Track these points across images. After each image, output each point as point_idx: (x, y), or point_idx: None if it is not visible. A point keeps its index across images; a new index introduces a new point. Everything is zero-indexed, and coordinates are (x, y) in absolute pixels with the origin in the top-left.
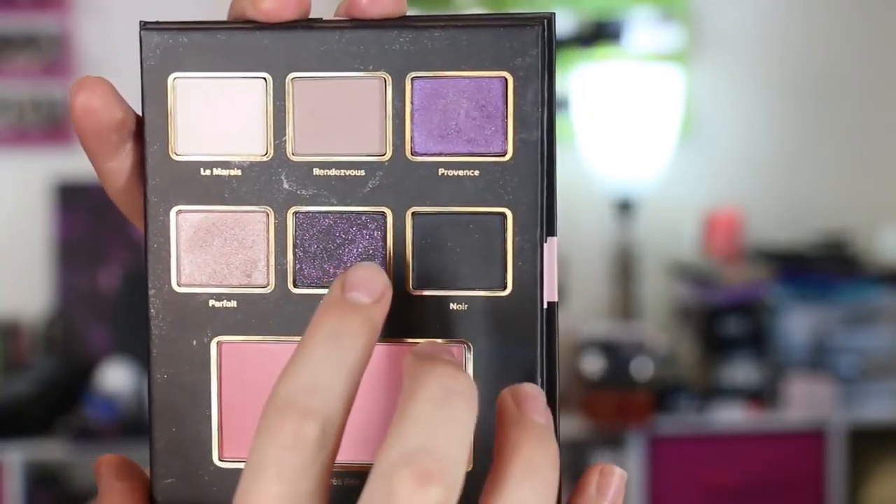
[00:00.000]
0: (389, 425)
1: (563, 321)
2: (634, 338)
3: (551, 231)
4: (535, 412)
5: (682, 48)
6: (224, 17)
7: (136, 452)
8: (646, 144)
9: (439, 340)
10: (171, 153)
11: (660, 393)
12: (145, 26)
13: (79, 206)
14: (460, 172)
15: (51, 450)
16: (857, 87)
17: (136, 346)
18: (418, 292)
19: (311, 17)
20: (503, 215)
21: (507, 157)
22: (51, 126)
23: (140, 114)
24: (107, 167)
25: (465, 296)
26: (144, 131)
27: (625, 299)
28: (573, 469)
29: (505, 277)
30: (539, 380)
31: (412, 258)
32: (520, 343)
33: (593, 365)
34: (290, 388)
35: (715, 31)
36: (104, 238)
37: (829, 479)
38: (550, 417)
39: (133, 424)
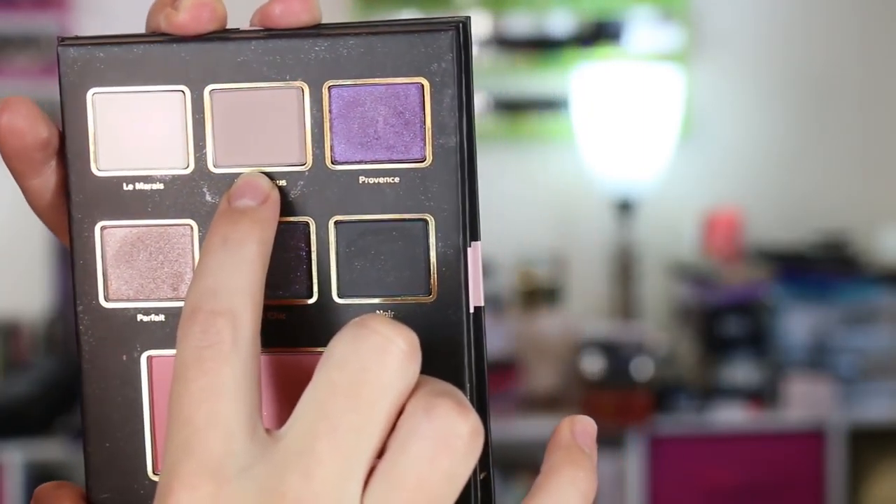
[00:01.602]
0: None
1: (564, 321)
2: (634, 338)
3: (475, 236)
4: (588, 445)
5: (682, 48)
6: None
7: None
8: (646, 144)
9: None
10: (93, 169)
11: (660, 393)
12: (62, 42)
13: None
14: (381, 180)
15: (51, 450)
16: (857, 87)
17: None
18: (343, 301)
19: (227, 27)
20: (425, 221)
21: (427, 164)
22: None
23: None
24: (32, 185)
25: (390, 303)
26: (66, 148)
27: (625, 299)
28: None
29: (429, 283)
30: (467, 385)
31: (336, 267)
32: (446, 349)
33: (593, 365)
34: (194, 295)
35: (715, 31)
36: None
37: (829, 479)
38: (596, 456)
39: None
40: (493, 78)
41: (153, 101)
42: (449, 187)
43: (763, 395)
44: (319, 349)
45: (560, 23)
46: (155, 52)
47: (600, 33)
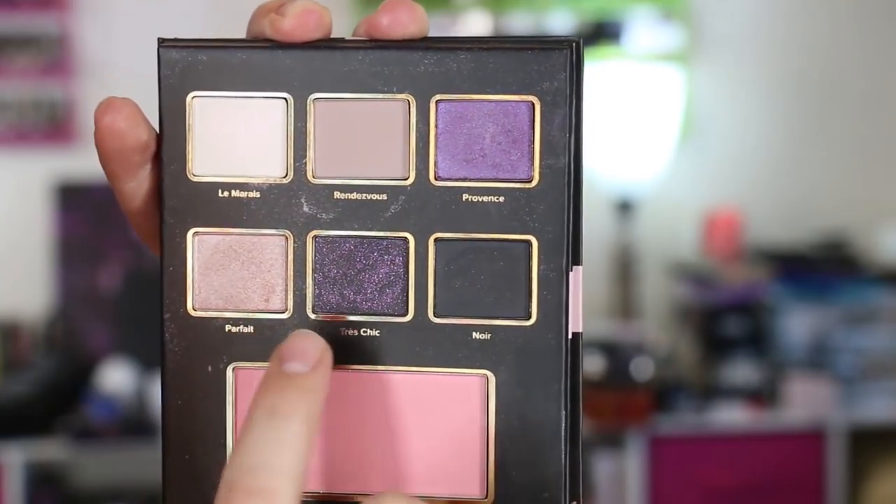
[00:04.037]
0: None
1: None
2: (634, 338)
3: (577, 260)
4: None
5: (682, 48)
6: (229, 29)
7: (137, 453)
8: (646, 144)
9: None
10: (188, 174)
11: (660, 393)
12: (163, 43)
13: (79, 206)
14: (485, 198)
15: (51, 450)
16: (857, 87)
17: (137, 347)
18: (440, 320)
19: (332, 37)
20: (528, 243)
21: (534, 184)
22: (51, 126)
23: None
24: (126, 188)
25: (488, 325)
26: (162, 151)
27: (625, 299)
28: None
29: (529, 307)
30: (563, 413)
31: (434, 285)
32: (543, 374)
33: (593, 365)
34: (233, 470)
35: (715, 31)
36: (104, 238)
37: (829, 479)
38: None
39: (133, 424)
40: None
41: (254, 107)
42: (555, 209)
43: (763, 395)
44: (413, 368)
45: (560, 23)
46: (258, 58)
47: (600, 33)
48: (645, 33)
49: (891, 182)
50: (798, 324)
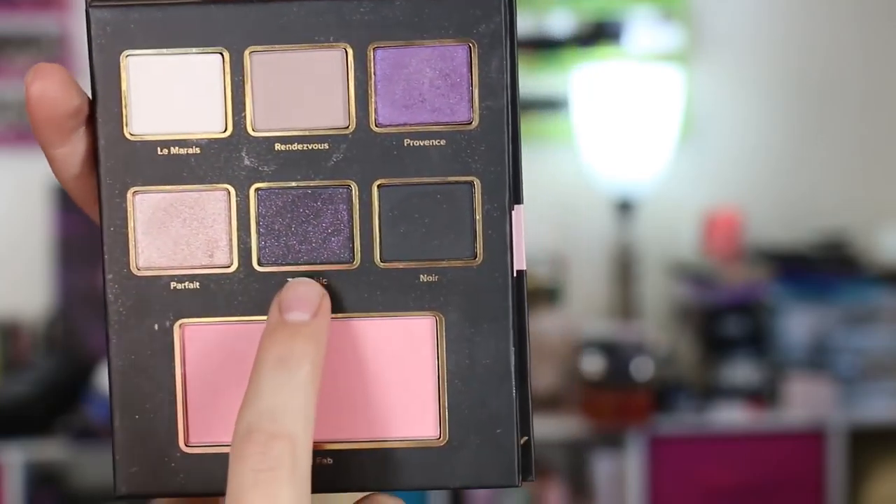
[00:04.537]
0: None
1: (564, 321)
2: (634, 338)
3: (518, 199)
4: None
5: (682, 48)
6: None
7: None
8: (646, 144)
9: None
10: (125, 133)
11: (660, 393)
12: (93, 3)
13: (78, 207)
14: (426, 142)
15: (51, 450)
16: (857, 87)
17: None
18: (386, 265)
19: None
20: (471, 184)
21: (474, 126)
22: None
23: (91, 96)
24: (59, 153)
25: (434, 267)
26: (97, 112)
27: (625, 299)
28: (574, 469)
29: (475, 247)
30: (511, 350)
31: (379, 231)
32: (491, 313)
33: (593, 365)
34: (252, 415)
35: (715, 31)
36: None
37: (829, 479)
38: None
39: None
40: None
41: (190, 63)
42: (496, 149)
43: (763, 395)
44: (361, 314)
45: (560, 23)
46: (192, 14)
47: (600, 33)
48: (645, 33)
49: (891, 182)
50: (798, 324)
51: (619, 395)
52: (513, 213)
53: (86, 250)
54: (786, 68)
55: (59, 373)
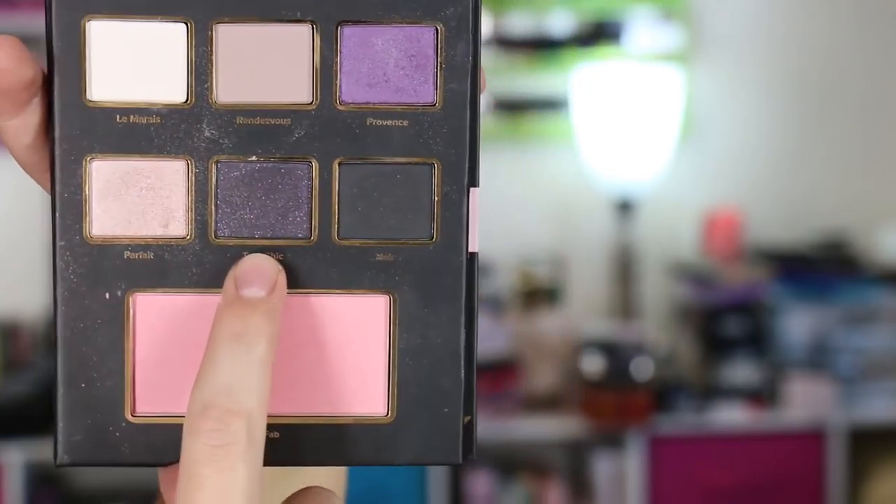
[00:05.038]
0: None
1: (564, 321)
2: (634, 338)
3: (474, 182)
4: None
5: (682, 48)
6: None
7: None
8: (646, 144)
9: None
10: (84, 100)
11: (660, 393)
12: None
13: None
14: (389, 122)
15: (51, 450)
16: (857, 87)
17: None
18: (343, 242)
19: None
20: (432, 165)
21: (437, 108)
22: None
23: (47, 61)
24: (10, 125)
25: (391, 246)
26: (54, 76)
27: (625, 299)
28: (573, 469)
29: (432, 228)
30: (462, 331)
31: (338, 209)
32: (444, 293)
33: (593, 365)
34: (208, 390)
35: (715, 31)
36: None
37: (829, 479)
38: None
39: None
40: (493, 78)
41: (154, 32)
42: (458, 133)
43: (763, 395)
44: (316, 290)
45: (560, 23)
46: None
47: (600, 33)
48: (645, 33)
49: (891, 182)
50: (798, 324)
51: (619, 395)
52: (469, 195)
53: None
54: (786, 68)
55: None
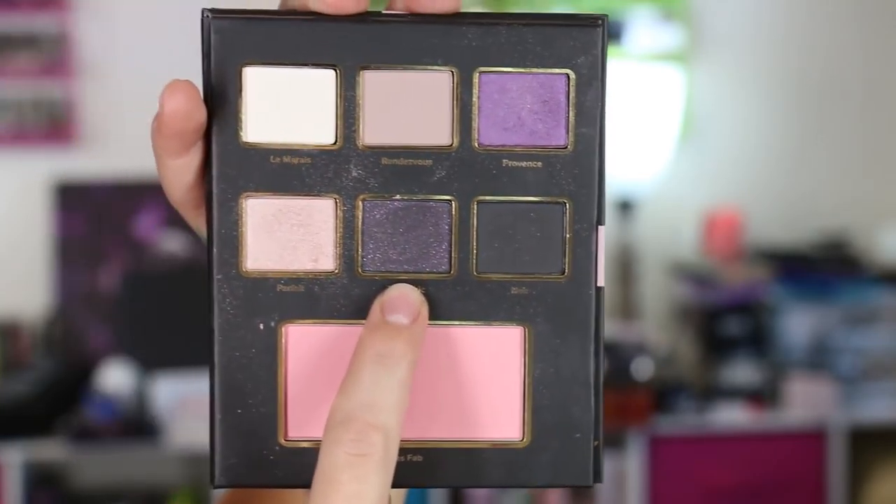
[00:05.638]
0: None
1: None
2: (634, 338)
3: (601, 220)
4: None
5: (682, 48)
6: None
7: (137, 453)
8: (645, 144)
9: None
10: (240, 141)
11: (660, 393)
12: (214, 15)
13: (78, 206)
14: (523, 163)
15: (51, 450)
16: (857, 87)
17: (136, 347)
18: (481, 277)
19: (370, 10)
20: (563, 204)
21: (568, 150)
22: (51, 126)
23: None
24: (177, 164)
25: (526, 280)
26: (213, 120)
27: (625, 299)
28: None
29: (563, 263)
30: (592, 360)
31: (476, 245)
32: (576, 325)
33: None
34: (350, 404)
35: (715, 31)
36: (104, 238)
37: (829, 479)
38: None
39: (133, 425)
40: None
41: (305, 77)
42: (588, 173)
43: (763, 395)
44: (454, 322)
45: None
46: (307, 30)
47: None
48: (645, 33)
49: (891, 182)
50: (798, 324)
51: (619, 395)
52: (598, 232)
53: (86, 250)
54: (786, 68)
55: (58, 373)
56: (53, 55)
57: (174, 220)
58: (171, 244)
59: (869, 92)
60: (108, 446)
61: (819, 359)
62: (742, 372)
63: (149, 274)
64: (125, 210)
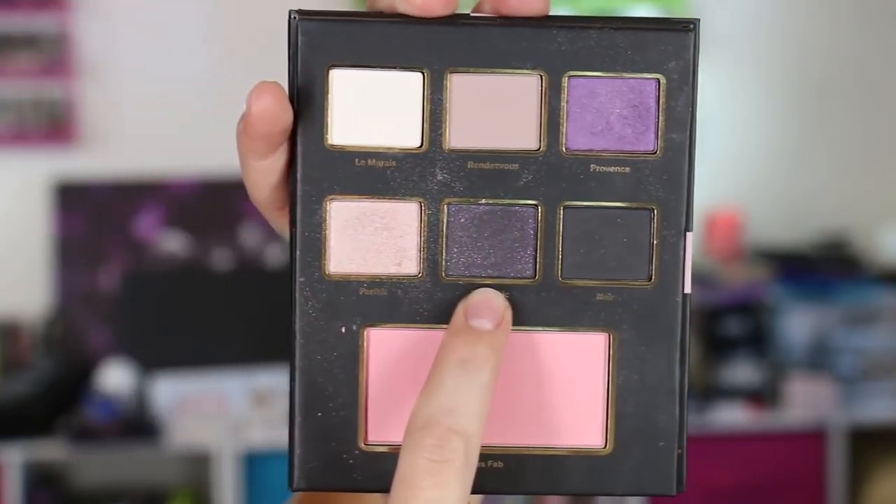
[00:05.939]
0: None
1: None
2: None
3: (689, 226)
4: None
5: None
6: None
7: (137, 453)
8: None
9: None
10: (325, 143)
11: None
12: (301, 16)
13: (78, 206)
14: (611, 168)
15: (51, 450)
16: (857, 87)
17: (136, 347)
18: (567, 282)
19: (458, 12)
20: (651, 210)
21: (657, 156)
22: (51, 126)
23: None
24: (262, 164)
25: (611, 286)
26: (298, 122)
27: None
28: None
29: (650, 270)
30: (678, 368)
31: (562, 250)
32: (662, 333)
33: None
34: (432, 409)
35: (715, 32)
36: (104, 238)
37: (829, 479)
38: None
39: (133, 425)
40: None
41: (392, 80)
42: (677, 180)
43: (763, 396)
44: (538, 328)
45: None
46: (395, 32)
47: None
48: None
49: (891, 182)
50: (798, 324)
51: None
52: (686, 239)
53: (86, 250)
54: (786, 68)
55: (58, 373)
56: (53, 55)
57: (174, 220)
58: (171, 244)
59: (868, 92)
60: (108, 446)
61: (819, 359)
62: (742, 372)
63: (149, 274)
64: (125, 210)
